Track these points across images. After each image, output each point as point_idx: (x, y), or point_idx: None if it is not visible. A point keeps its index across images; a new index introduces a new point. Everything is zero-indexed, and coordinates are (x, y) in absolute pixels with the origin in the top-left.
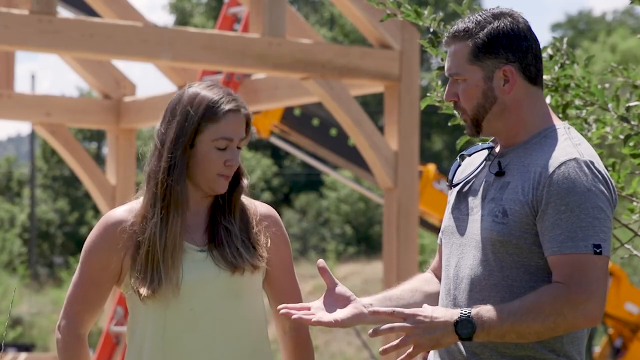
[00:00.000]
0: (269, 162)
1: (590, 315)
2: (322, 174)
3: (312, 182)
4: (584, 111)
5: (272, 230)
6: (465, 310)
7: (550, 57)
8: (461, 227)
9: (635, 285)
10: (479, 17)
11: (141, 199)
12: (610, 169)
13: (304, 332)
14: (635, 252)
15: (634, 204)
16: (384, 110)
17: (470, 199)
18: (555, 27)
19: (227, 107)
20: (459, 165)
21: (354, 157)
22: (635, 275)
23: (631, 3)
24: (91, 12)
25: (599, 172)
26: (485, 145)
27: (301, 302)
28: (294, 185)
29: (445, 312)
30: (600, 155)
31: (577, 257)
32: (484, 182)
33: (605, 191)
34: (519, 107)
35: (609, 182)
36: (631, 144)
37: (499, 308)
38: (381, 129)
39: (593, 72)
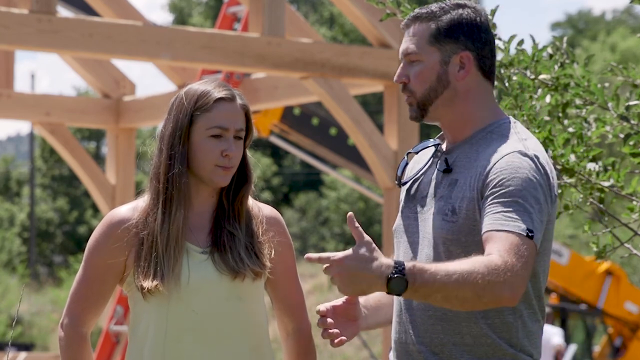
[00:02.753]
0: (268, 161)
1: (512, 290)
2: (322, 173)
3: (312, 181)
4: (584, 110)
5: (276, 240)
6: (399, 266)
7: (550, 56)
8: (412, 225)
9: (634, 284)
10: (444, 5)
11: (146, 197)
12: (610, 168)
13: (307, 333)
14: (635, 251)
15: (634, 203)
16: (383, 109)
17: (419, 197)
18: (555, 26)
19: (218, 95)
20: (407, 164)
21: (354, 157)
22: (635, 275)
23: (631, 2)
24: (91, 12)
25: (542, 166)
26: (432, 142)
27: (304, 303)
28: (293, 185)
29: (377, 264)
30: (600, 154)
31: (510, 235)
32: (433, 180)
33: (545, 186)
34: (468, 97)
35: (550, 179)
36: (631, 143)
37: (434, 269)
38: (381, 128)
39: (593, 71)
